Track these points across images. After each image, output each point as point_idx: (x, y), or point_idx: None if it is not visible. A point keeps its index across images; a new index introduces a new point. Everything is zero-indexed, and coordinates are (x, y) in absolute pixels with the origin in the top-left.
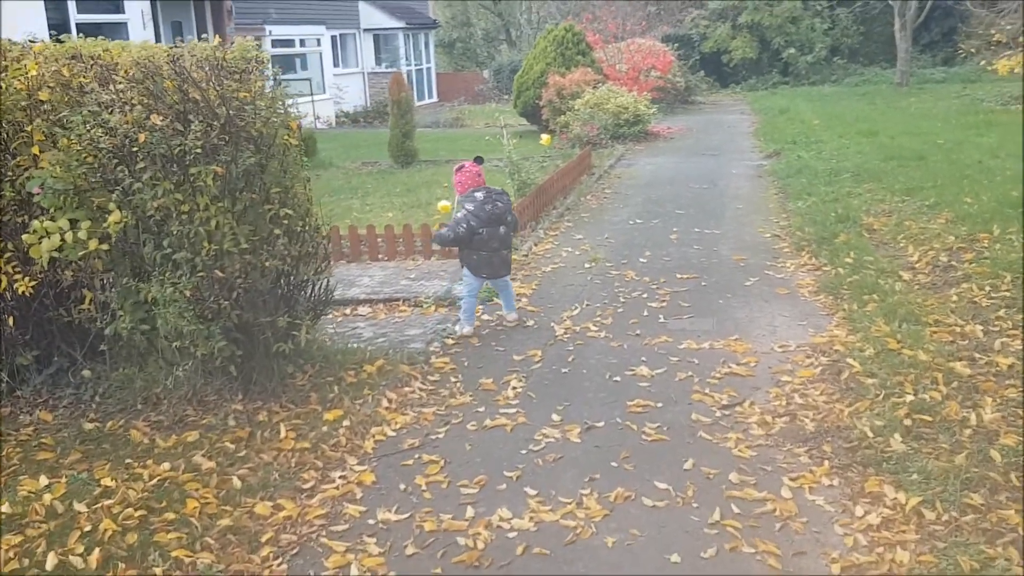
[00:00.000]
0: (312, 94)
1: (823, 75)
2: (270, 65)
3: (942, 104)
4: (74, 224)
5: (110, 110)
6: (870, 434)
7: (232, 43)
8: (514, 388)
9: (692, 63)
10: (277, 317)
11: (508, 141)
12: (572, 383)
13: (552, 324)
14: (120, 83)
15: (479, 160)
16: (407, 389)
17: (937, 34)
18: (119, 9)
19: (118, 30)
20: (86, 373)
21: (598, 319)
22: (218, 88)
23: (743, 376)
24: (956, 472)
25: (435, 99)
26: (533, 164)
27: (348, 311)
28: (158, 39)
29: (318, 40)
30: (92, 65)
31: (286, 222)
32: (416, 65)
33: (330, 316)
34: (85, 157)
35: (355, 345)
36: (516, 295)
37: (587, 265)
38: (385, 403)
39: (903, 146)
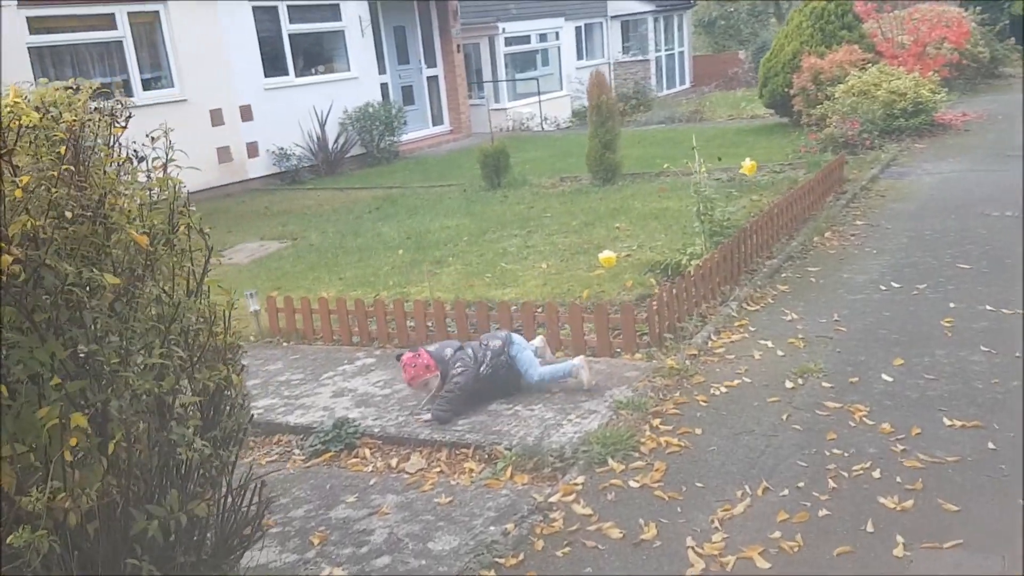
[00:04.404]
0: (539, 94)
1: None
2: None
3: None
4: None
5: None
6: None
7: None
8: None
9: (999, 28)
10: None
11: (700, 167)
12: None
13: (688, 540)
14: None
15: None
16: None
17: None
18: (336, 16)
19: (334, 39)
20: None
21: (776, 536)
22: None
23: None
24: None
25: (687, 85)
26: (763, 179)
27: (395, 461)
28: (378, 47)
29: (556, 33)
30: None
31: (75, 443)
32: (667, 50)
33: (359, 472)
34: None
35: None
36: (639, 457)
37: (789, 384)
38: None
39: None
